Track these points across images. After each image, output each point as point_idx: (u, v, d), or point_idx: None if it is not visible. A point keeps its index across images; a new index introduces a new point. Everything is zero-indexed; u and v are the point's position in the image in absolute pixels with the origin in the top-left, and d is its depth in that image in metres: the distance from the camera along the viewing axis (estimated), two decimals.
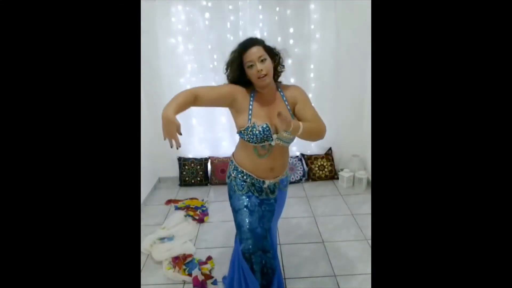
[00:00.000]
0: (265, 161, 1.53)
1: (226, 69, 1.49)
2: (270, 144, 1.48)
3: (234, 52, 1.44)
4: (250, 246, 1.50)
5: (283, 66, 1.54)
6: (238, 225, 1.56)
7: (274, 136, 1.46)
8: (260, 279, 1.52)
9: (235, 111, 1.50)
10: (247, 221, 1.52)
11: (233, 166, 1.61)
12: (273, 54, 1.45)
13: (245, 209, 1.53)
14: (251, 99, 1.48)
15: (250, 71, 1.40)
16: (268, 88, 1.46)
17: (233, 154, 1.65)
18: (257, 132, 1.43)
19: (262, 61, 1.39)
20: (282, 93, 1.53)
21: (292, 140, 1.53)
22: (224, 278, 2.00)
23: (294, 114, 1.53)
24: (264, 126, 1.44)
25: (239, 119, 1.49)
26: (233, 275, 1.68)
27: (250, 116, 1.46)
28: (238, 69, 1.43)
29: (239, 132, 1.50)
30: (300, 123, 1.39)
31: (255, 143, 1.46)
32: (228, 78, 1.51)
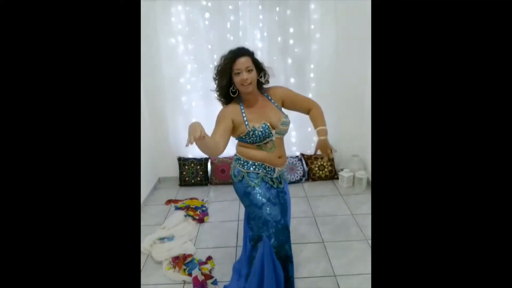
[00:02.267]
0: (274, 153, 1.65)
1: (216, 74, 1.59)
2: (271, 139, 1.61)
3: (225, 60, 1.55)
4: (280, 239, 1.59)
5: (268, 81, 1.67)
6: (265, 221, 1.59)
7: (273, 131, 1.61)
8: (292, 270, 1.71)
9: (234, 127, 1.59)
10: (273, 214, 1.59)
11: (242, 162, 1.67)
12: (259, 67, 1.60)
13: (268, 202, 1.61)
14: (242, 109, 1.60)
15: (236, 77, 1.54)
16: (252, 93, 1.60)
17: (237, 153, 1.72)
18: (259, 133, 1.57)
19: (248, 71, 1.53)
20: (266, 94, 1.69)
21: (286, 131, 1.69)
22: (225, 286, 1.99)
23: (283, 106, 1.72)
24: (264, 125, 1.58)
25: (238, 130, 1.59)
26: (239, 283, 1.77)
27: (247, 122, 1.58)
28: (227, 75, 1.55)
29: (239, 138, 1.63)
30: (321, 129, 1.65)
31: (259, 142, 1.59)
32: (215, 82, 1.62)
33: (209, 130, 3.62)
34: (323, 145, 1.63)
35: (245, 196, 1.65)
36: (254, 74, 1.55)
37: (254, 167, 1.64)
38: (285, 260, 1.66)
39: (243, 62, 1.52)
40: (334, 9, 3.00)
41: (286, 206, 1.76)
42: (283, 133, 1.67)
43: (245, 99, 1.62)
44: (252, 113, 1.59)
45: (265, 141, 1.60)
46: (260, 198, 1.60)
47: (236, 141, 1.72)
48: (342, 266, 2.18)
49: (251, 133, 1.56)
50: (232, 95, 1.59)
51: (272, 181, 1.68)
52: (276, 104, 1.67)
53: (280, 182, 1.74)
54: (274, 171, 1.67)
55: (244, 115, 1.58)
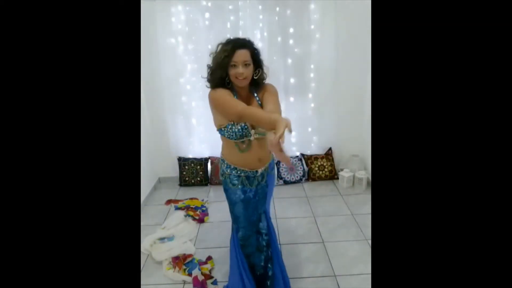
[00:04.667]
0: (252, 154, 1.62)
1: (212, 62, 1.53)
2: (249, 139, 1.57)
3: (224, 52, 1.48)
4: (246, 231, 1.71)
5: (261, 80, 1.62)
6: (235, 216, 1.72)
7: (252, 131, 1.55)
8: (259, 257, 1.75)
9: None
10: (243, 212, 1.69)
11: (225, 165, 1.70)
12: (258, 64, 1.55)
13: (240, 202, 1.69)
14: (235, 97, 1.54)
15: (232, 69, 1.48)
16: (244, 88, 1.58)
17: (222, 154, 1.75)
18: (236, 130, 1.53)
19: (245, 65, 1.48)
20: (255, 94, 1.63)
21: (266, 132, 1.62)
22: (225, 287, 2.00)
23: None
24: (243, 125, 1.53)
25: (221, 117, 1.54)
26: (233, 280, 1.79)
27: None
28: (224, 67, 1.49)
29: (219, 130, 1.59)
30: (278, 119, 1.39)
31: (235, 139, 1.56)
32: (208, 71, 1.55)
33: (209, 129, 3.59)
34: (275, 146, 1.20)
35: (224, 191, 1.75)
36: (250, 69, 1.50)
37: (235, 171, 1.67)
38: (250, 254, 1.75)
39: (242, 55, 1.47)
40: (334, 9, 3.00)
41: (265, 198, 1.78)
42: (263, 134, 1.56)
43: (239, 95, 1.58)
44: None
45: (242, 140, 1.56)
46: (234, 197, 1.68)
47: (221, 143, 1.73)
48: (342, 266, 2.18)
49: (229, 127, 1.52)
50: (227, 85, 1.54)
51: (254, 180, 1.68)
52: (259, 103, 1.61)
53: (263, 178, 1.73)
54: (257, 172, 1.68)
55: None
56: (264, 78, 1.63)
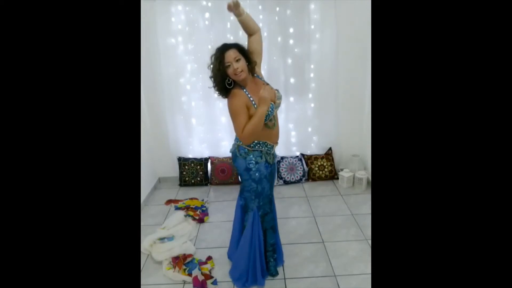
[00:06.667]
0: (275, 130, 1.86)
1: (212, 72, 1.72)
2: (273, 115, 1.80)
3: (216, 58, 1.68)
4: (266, 208, 1.93)
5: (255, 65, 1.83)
6: (259, 193, 1.90)
7: (273, 106, 1.80)
8: (273, 234, 2.02)
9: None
10: (266, 188, 1.90)
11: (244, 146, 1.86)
12: (247, 56, 1.74)
13: (264, 179, 1.88)
14: (247, 93, 1.74)
15: (228, 70, 1.68)
16: (246, 79, 1.75)
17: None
18: (268, 113, 1.73)
19: (237, 61, 1.67)
20: (256, 75, 1.86)
21: (280, 103, 1.88)
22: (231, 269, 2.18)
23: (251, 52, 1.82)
24: (272, 105, 1.74)
25: (248, 112, 1.74)
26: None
27: (255, 105, 1.73)
28: (221, 71, 1.68)
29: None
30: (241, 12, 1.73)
31: (266, 121, 1.76)
32: (212, 80, 1.74)
33: (209, 129, 3.59)
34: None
35: (246, 171, 1.87)
36: (243, 62, 1.68)
37: (259, 145, 1.82)
38: (266, 229, 1.98)
39: (230, 55, 1.66)
40: (334, 9, 3.00)
41: (274, 179, 2.03)
42: (279, 106, 1.86)
43: (243, 85, 1.75)
44: (255, 95, 1.73)
45: (269, 118, 1.76)
46: (258, 175, 1.86)
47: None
48: (342, 266, 2.18)
49: None
50: (228, 86, 1.72)
51: (272, 156, 1.90)
52: (264, 80, 1.83)
53: (275, 157, 1.97)
54: (272, 147, 1.89)
55: (250, 98, 1.73)
56: (256, 64, 1.81)
